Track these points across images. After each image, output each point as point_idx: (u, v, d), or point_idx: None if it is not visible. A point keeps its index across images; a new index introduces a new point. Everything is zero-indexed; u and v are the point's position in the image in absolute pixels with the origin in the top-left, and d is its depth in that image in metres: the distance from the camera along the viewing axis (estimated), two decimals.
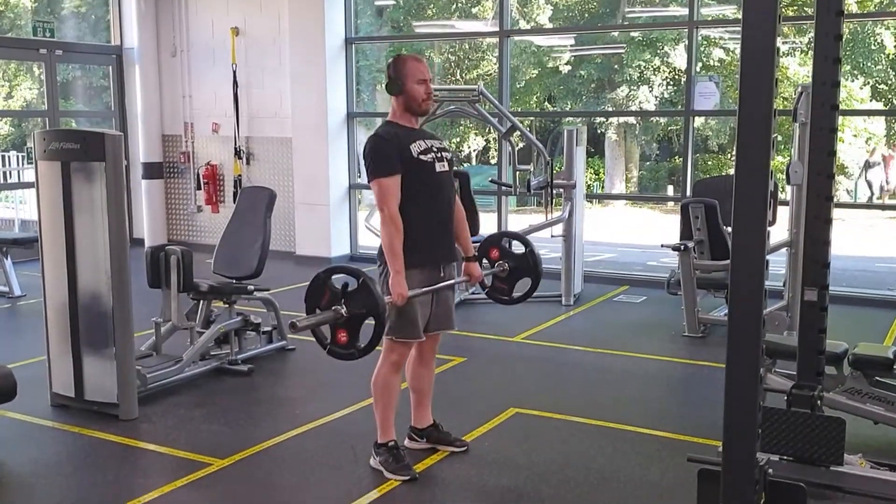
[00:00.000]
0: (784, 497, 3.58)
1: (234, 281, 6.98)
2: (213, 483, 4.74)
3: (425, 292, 4.70)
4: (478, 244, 5.32)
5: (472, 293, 8.64)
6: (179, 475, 4.81)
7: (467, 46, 23.42)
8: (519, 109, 20.28)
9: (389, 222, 4.55)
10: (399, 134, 4.64)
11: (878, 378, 5.08)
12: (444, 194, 4.74)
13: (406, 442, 5.08)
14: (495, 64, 15.00)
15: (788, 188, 7.28)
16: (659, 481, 4.71)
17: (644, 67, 21.72)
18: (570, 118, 23.15)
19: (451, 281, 4.91)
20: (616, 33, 23.00)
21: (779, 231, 7.16)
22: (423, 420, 5.11)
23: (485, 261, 5.29)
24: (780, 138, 13.90)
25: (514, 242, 5.69)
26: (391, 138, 4.61)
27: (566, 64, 23.11)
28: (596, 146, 23.66)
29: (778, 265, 7.61)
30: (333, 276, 4.30)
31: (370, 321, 4.22)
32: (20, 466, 5.02)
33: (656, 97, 21.89)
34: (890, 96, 21.76)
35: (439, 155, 4.73)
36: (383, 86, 4.72)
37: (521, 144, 13.60)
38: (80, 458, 5.12)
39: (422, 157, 4.63)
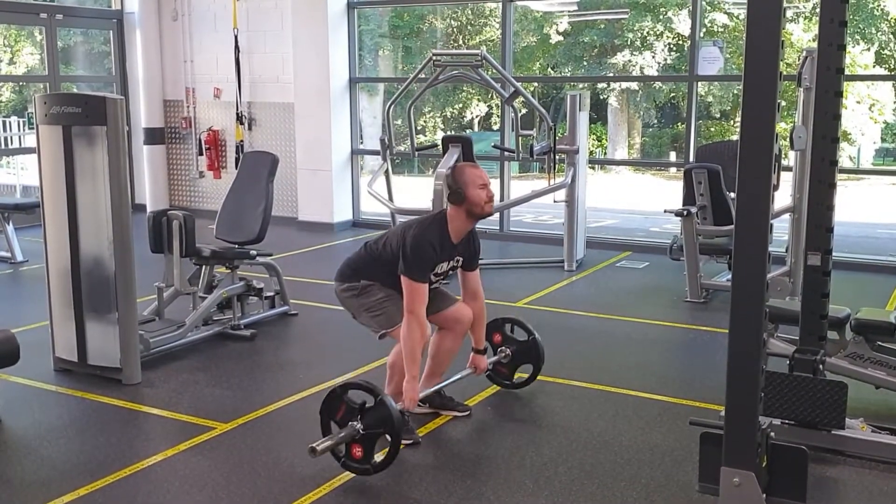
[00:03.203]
0: (786, 460, 3.60)
1: (236, 246, 6.97)
2: (216, 447, 4.76)
3: (430, 394, 4.93)
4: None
5: None
6: (182, 439, 4.83)
7: (470, 12, 23.27)
8: (521, 75, 20.15)
9: (416, 327, 4.59)
10: (444, 248, 4.73)
11: (879, 343, 5.08)
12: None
13: None
14: (498, 30, 14.92)
15: (791, 154, 7.26)
16: (660, 445, 4.72)
17: (646, 33, 21.58)
18: (573, 83, 23.02)
19: (455, 378, 5.09)
20: None
21: (782, 197, 7.14)
22: (429, 386, 5.11)
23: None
24: (783, 104, 13.87)
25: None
26: (437, 250, 4.69)
27: (564, 34, 22.96)
28: (598, 112, 23.58)
29: (780, 231, 7.60)
30: (350, 391, 4.36)
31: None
32: (23, 430, 5.04)
33: (658, 63, 21.77)
34: (894, 63, 21.64)
35: (446, 272, 4.86)
36: (445, 197, 4.75)
37: (523, 110, 13.55)
38: (83, 422, 5.14)
39: (433, 276, 4.75)
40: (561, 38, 22.99)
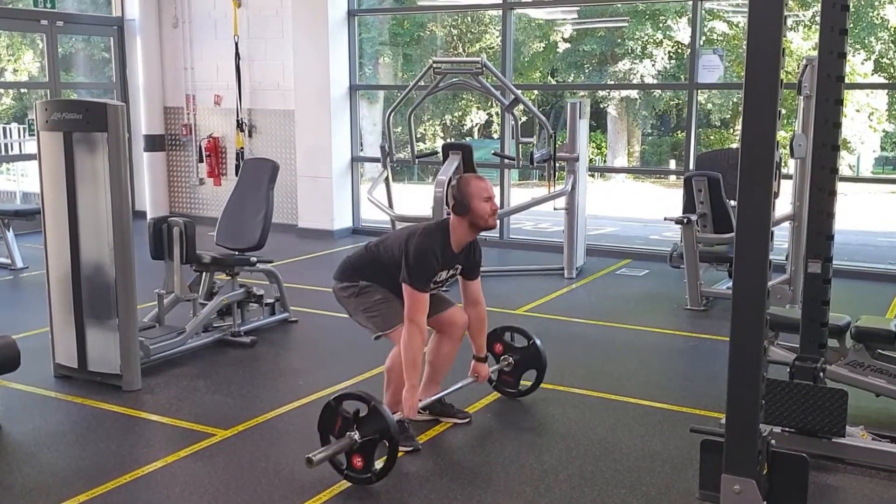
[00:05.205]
0: (786, 468, 3.60)
1: (236, 253, 6.97)
2: (216, 453, 4.76)
3: (431, 402, 4.93)
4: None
5: None
6: (182, 445, 4.83)
7: (470, 19, 23.28)
8: (522, 82, 20.16)
9: (417, 335, 4.58)
10: (446, 257, 4.71)
11: (880, 351, 5.08)
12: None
13: None
14: (498, 37, 14.93)
15: (792, 162, 7.26)
16: (661, 452, 4.72)
17: (646, 41, 21.59)
18: (573, 91, 23.02)
19: (459, 385, 5.10)
20: (619, 5, 22.81)
21: (782, 205, 7.15)
22: (428, 393, 5.11)
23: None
24: (783, 112, 13.87)
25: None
26: (438, 259, 4.67)
27: (566, 40, 22.97)
28: (598, 120, 23.59)
29: (781, 239, 7.60)
30: (344, 402, 4.36)
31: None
32: (23, 436, 5.04)
33: (658, 71, 21.79)
34: (893, 71, 21.67)
35: (445, 280, 4.86)
36: (450, 207, 4.72)
37: (524, 118, 13.56)
38: (83, 429, 5.14)
39: (433, 284, 4.73)
40: (568, 44, 22.99)
